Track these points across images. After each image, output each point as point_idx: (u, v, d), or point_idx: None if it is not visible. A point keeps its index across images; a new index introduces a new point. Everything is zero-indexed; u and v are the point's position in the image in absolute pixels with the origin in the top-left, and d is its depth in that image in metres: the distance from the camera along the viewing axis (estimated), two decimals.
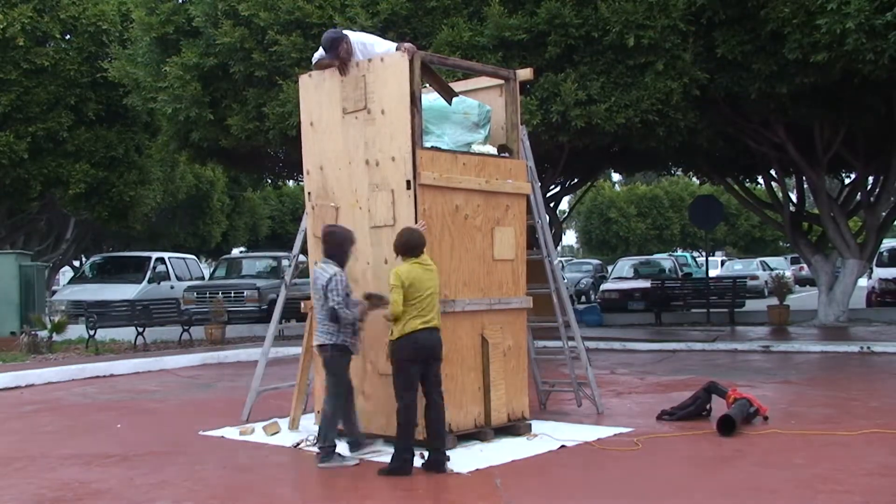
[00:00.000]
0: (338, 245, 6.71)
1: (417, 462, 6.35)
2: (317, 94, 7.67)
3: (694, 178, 34.13)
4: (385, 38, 8.24)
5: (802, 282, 36.36)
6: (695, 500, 5.54)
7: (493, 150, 7.82)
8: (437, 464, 6.31)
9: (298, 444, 7.21)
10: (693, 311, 20.31)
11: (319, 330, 6.68)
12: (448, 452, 6.65)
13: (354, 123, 7.32)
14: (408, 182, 6.91)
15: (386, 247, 7.08)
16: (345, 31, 7.52)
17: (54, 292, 24.37)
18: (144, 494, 5.90)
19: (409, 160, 6.91)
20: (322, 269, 6.63)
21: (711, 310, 19.45)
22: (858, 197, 19.21)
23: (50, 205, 24.61)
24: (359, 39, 7.47)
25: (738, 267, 35.62)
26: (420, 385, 6.39)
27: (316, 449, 6.78)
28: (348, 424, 6.87)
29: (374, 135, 7.17)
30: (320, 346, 6.71)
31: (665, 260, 29.47)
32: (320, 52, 7.55)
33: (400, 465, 6.22)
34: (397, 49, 7.19)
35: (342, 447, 6.76)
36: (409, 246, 6.44)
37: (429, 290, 6.35)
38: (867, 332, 15.84)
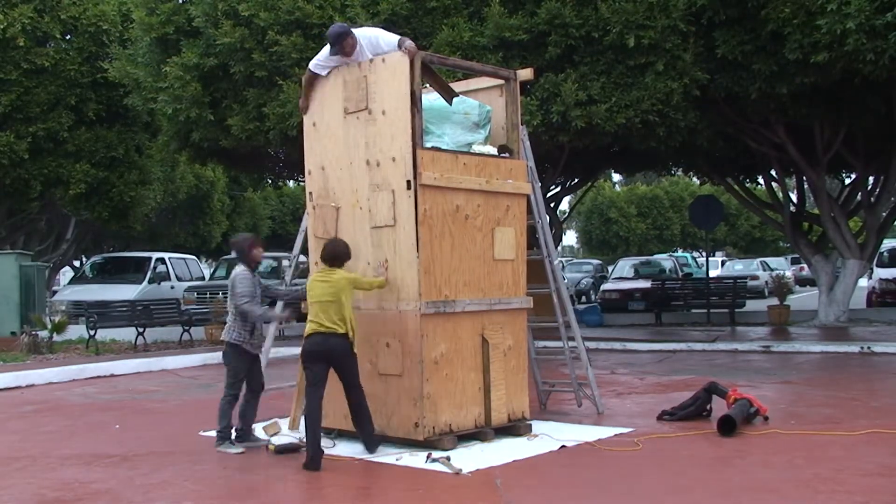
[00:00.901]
0: (238, 251, 7.43)
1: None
2: (319, 94, 7.67)
3: (694, 178, 34.16)
4: None
5: (803, 282, 36.37)
6: (695, 500, 5.54)
7: (494, 151, 7.82)
8: (367, 446, 6.83)
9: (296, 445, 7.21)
10: (693, 311, 20.31)
11: (226, 325, 7.36)
12: (449, 452, 6.68)
13: (355, 124, 7.33)
14: (408, 182, 6.92)
15: (386, 247, 7.09)
16: (350, 28, 7.50)
17: (55, 292, 24.39)
18: (144, 494, 5.90)
19: (409, 160, 6.92)
20: (234, 271, 7.35)
21: (712, 310, 19.45)
22: (859, 197, 19.21)
23: (50, 205, 24.62)
24: (364, 34, 7.45)
25: (738, 267, 35.62)
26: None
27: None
28: (243, 419, 7.44)
29: (375, 135, 7.17)
30: (222, 341, 7.42)
31: (665, 260, 29.48)
32: (325, 53, 7.49)
33: (308, 460, 6.52)
34: (400, 42, 7.18)
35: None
36: (325, 255, 6.96)
37: (315, 298, 6.77)
38: (867, 332, 15.83)
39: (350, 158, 7.37)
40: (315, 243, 7.71)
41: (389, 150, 7.06)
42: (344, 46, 7.28)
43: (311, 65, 7.61)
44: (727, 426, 7.21)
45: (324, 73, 7.50)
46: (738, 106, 14.89)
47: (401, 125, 6.98)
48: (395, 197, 7.01)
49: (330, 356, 6.72)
